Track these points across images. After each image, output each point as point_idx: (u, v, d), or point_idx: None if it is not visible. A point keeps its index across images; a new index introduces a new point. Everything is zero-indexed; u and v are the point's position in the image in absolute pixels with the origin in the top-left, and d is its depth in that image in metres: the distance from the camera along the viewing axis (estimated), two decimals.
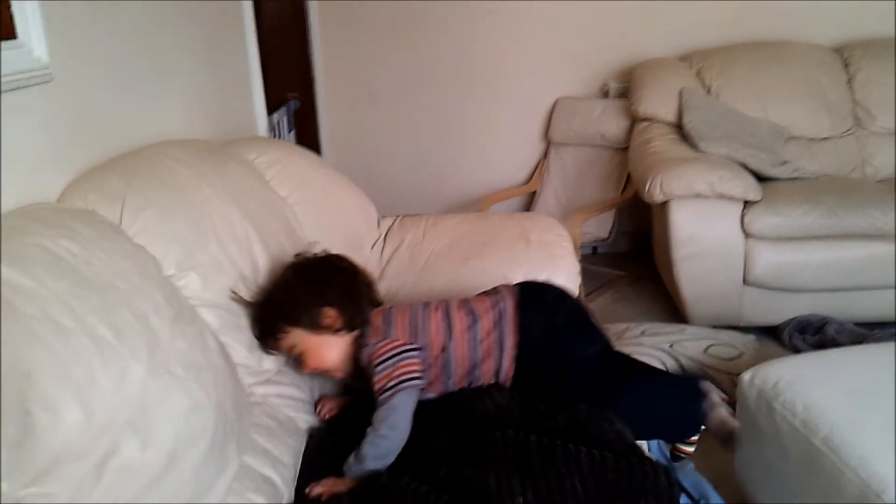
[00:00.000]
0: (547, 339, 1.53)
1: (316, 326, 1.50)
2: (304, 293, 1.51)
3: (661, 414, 1.67)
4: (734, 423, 1.73)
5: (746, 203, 2.73)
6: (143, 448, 1.03)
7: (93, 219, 1.28)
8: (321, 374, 1.60)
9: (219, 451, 1.20)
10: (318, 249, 1.67)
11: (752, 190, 2.71)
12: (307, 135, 3.74)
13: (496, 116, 3.90)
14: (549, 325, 1.55)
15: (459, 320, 1.55)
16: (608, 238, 3.54)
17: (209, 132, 2.19)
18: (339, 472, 1.39)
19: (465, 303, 1.60)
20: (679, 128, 3.20)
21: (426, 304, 1.60)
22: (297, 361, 1.56)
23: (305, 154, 2.26)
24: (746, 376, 1.74)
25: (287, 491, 1.35)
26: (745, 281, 2.81)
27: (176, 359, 1.16)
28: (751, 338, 2.65)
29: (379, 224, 2.35)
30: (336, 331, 1.51)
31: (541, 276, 2.04)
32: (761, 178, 2.85)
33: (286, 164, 2.07)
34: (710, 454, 2.12)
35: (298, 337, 1.51)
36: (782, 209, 2.69)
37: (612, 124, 3.55)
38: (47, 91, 1.39)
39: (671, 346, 2.34)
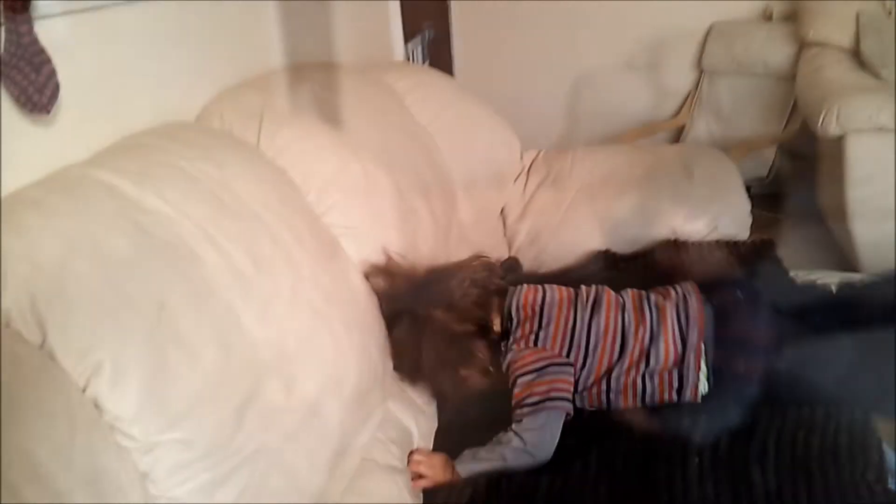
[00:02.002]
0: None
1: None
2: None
3: None
4: None
5: None
6: (286, 392, 0.94)
7: (231, 139, 1.19)
8: None
9: (364, 396, 1.09)
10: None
11: None
12: (441, 65, 3.58)
13: (643, 42, 3.61)
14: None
15: (636, 341, 1.25)
16: (767, 178, 3.23)
17: (346, 59, 2.08)
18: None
19: (642, 308, 1.29)
20: (856, 54, 2.86)
21: (594, 303, 1.30)
22: None
23: (445, 79, 2.13)
24: None
25: (423, 446, 1.23)
26: None
27: (319, 295, 1.05)
28: None
29: (522, 157, 2.18)
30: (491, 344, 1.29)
31: (707, 214, 1.84)
32: None
33: (426, 89, 1.94)
34: None
35: None
36: None
37: (776, 51, 3.22)
38: (184, 6, 1.30)
39: None
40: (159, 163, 1.01)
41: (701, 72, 3.52)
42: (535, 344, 1.24)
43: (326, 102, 1.40)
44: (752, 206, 1.95)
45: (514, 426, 1.17)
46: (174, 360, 0.82)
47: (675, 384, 1.22)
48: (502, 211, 2.05)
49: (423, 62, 3.23)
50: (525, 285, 1.33)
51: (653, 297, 1.32)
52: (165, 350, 0.82)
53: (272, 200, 1.08)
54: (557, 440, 1.16)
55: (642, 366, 1.23)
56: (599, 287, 1.34)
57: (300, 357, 0.96)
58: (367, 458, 1.09)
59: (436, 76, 2.10)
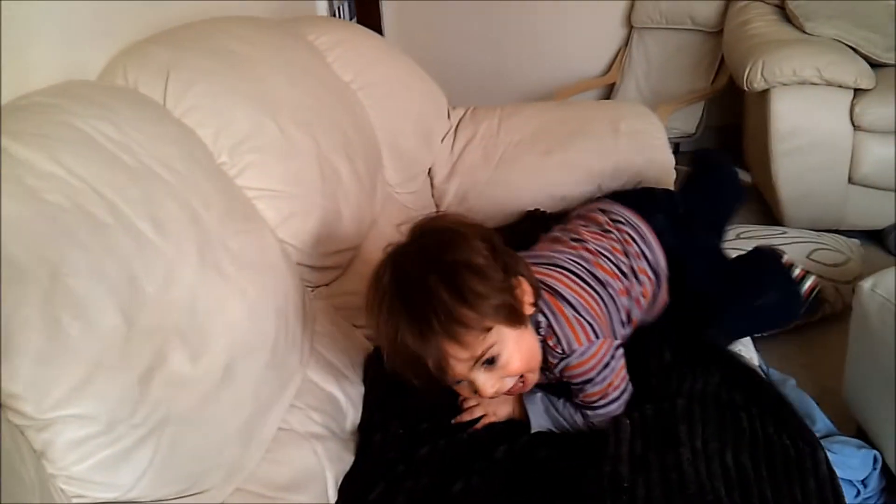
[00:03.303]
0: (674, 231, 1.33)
1: (515, 310, 1.01)
2: (483, 259, 1.00)
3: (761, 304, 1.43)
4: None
5: (857, 92, 2.45)
6: (193, 360, 0.90)
7: (134, 98, 1.12)
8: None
9: (280, 363, 1.06)
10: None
11: (864, 77, 2.43)
12: (368, 20, 3.51)
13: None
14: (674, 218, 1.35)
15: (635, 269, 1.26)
16: (695, 134, 3.27)
17: (264, 10, 2.00)
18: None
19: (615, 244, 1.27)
20: (781, 8, 2.89)
21: (576, 257, 1.21)
22: (482, 380, 1.01)
23: (370, 35, 2.06)
24: (867, 284, 1.54)
25: (352, 411, 1.21)
26: (850, 179, 2.56)
27: (229, 259, 1.01)
28: (855, 242, 2.41)
29: (449, 115, 2.15)
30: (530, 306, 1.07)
31: (632, 169, 1.84)
32: (874, 65, 2.54)
33: (350, 45, 1.87)
34: (813, 369, 1.94)
35: (497, 334, 1.00)
36: None
37: (703, 5, 3.24)
38: None
39: None
40: (54, 123, 0.95)
41: (630, 28, 3.52)
42: (595, 335, 1.10)
43: (240, 58, 1.34)
44: (680, 162, 1.97)
45: (586, 414, 1.13)
46: (69, 330, 0.77)
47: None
48: (430, 170, 2.02)
49: (350, 18, 3.16)
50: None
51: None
52: (59, 319, 0.77)
53: (176, 162, 1.03)
54: None
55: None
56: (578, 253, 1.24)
57: (208, 323, 0.93)
58: (285, 427, 1.06)
59: (360, 32, 2.04)
